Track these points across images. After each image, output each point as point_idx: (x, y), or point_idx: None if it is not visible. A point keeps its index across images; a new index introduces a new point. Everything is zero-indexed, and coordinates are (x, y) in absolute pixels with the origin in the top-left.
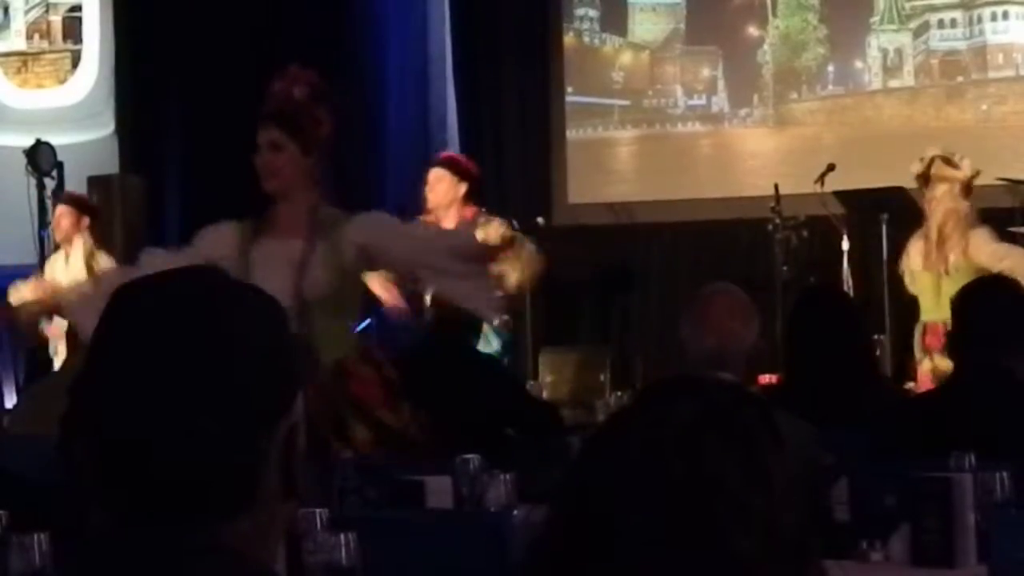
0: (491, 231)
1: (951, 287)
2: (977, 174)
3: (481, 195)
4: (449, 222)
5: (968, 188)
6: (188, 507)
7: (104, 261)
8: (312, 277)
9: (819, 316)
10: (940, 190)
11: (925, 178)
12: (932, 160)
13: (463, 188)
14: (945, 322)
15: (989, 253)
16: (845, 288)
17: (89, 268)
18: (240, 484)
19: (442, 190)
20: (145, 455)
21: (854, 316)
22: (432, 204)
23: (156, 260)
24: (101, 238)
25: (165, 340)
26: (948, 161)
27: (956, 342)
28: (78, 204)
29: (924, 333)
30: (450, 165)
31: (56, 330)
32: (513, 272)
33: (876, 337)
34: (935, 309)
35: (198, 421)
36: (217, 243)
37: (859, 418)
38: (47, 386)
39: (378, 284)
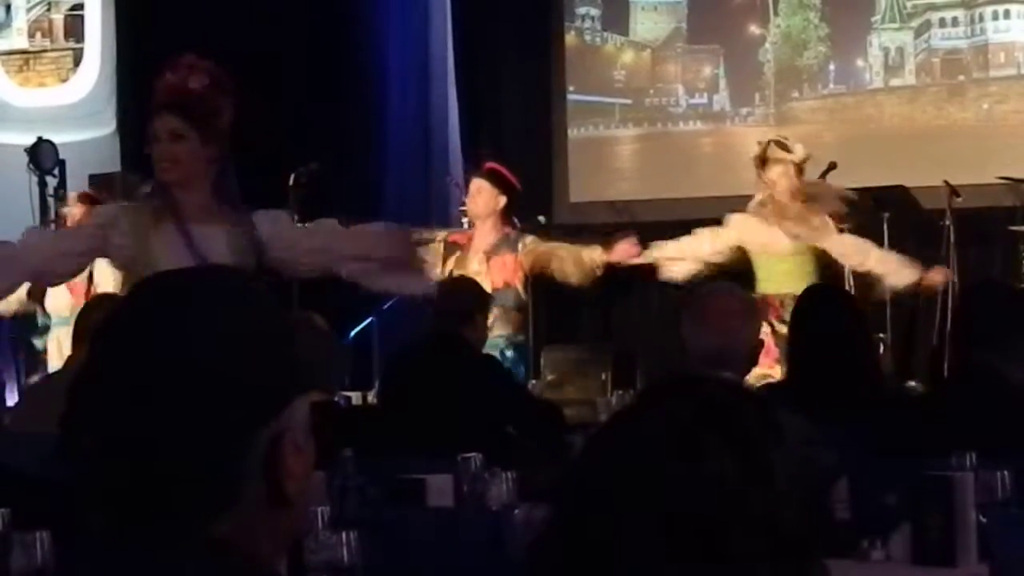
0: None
1: (790, 262)
2: (808, 158)
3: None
4: (486, 235)
5: (801, 170)
6: (164, 508)
7: (100, 261)
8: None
9: (822, 314)
10: (777, 171)
11: (762, 160)
12: (768, 144)
13: (503, 201)
14: (782, 295)
15: (840, 240)
16: (846, 287)
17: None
18: (215, 487)
19: (482, 201)
20: (123, 457)
21: (857, 314)
22: (471, 214)
23: (33, 236)
24: None
25: (139, 345)
26: (782, 145)
27: (955, 341)
28: (92, 202)
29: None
30: (492, 177)
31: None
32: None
33: (880, 336)
34: (774, 282)
35: (172, 423)
36: (113, 225)
37: (860, 416)
38: (49, 384)
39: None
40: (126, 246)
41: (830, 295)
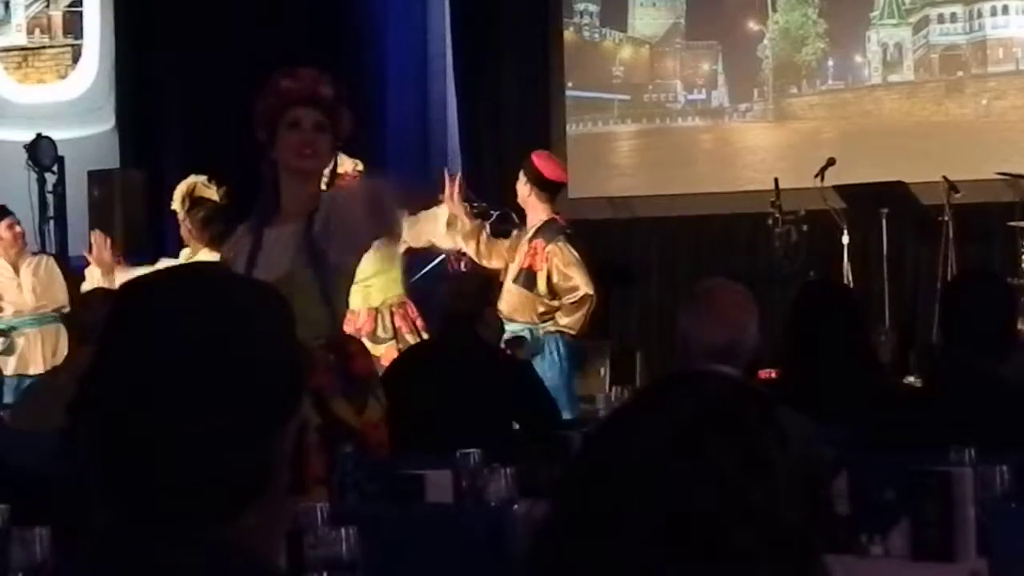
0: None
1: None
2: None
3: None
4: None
5: None
6: (198, 504)
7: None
8: (291, 260)
9: (820, 309)
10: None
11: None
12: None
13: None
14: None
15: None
16: (845, 282)
17: None
18: (252, 482)
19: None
20: (154, 454)
21: (855, 309)
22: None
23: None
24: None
25: (179, 337)
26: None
27: (947, 338)
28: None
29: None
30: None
31: None
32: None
33: (878, 331)
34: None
35: (210, 420)
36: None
37: (859, 412)
38: (49, 381)
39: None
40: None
41: (828, 290)
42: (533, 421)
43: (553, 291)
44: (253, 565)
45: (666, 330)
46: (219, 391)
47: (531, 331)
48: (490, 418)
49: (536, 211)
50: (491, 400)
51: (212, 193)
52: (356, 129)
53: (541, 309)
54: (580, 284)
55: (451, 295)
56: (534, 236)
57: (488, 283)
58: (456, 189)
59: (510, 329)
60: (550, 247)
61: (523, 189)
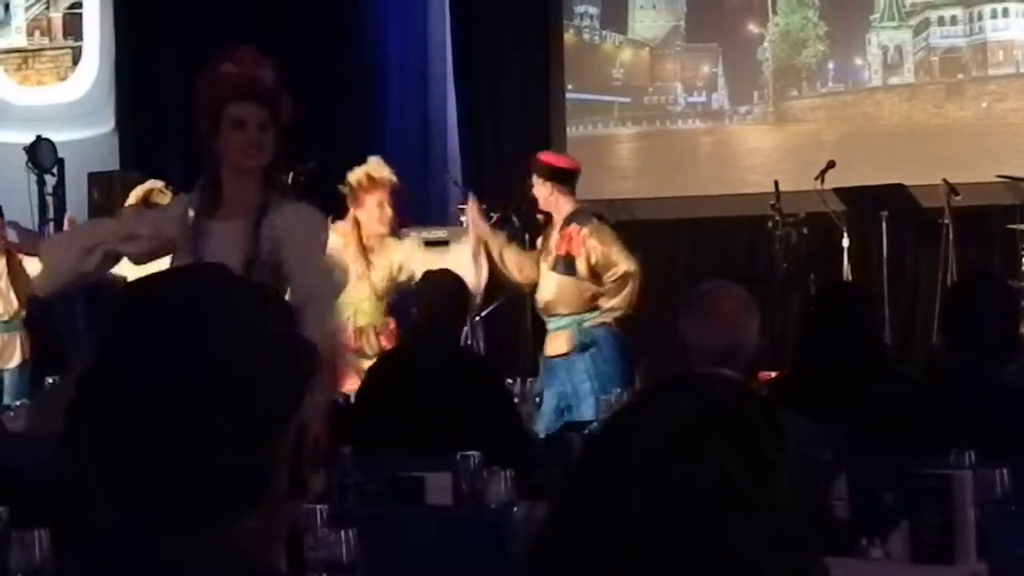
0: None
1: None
2: None
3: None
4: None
5: None
6: (198, 507)
7: None
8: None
9: (839, 311)
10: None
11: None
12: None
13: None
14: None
15: None
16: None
17: None
18: (251, 483)
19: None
20: (155, 456)
21: (871, 312)
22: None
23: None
24: None
25: (174, 341)
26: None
27: (948, 340)
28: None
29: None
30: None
31: None
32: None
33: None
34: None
35: (209, 421)
36: (166, 224)
37: (860, 413)
38: (61, 387)
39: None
40: (146, 238)
41: (848, 292)
42: (501, 434)
43: (594, 274)
44: (254, 567)
45: (666, 333)
46: (219, 392)
47: (578, 324)
48: (466, 422)
49: (562, 205)
50: (466, 405)
51: (166, 200)
52: (295, 116)
53: (588, 294)
54: (619, 261)
55: (432, 297)
56: (565, 225)
57: (465, 285)
58: (477, 209)
59: (555, 325)
60: (585, 229)
61: (543, 189)
